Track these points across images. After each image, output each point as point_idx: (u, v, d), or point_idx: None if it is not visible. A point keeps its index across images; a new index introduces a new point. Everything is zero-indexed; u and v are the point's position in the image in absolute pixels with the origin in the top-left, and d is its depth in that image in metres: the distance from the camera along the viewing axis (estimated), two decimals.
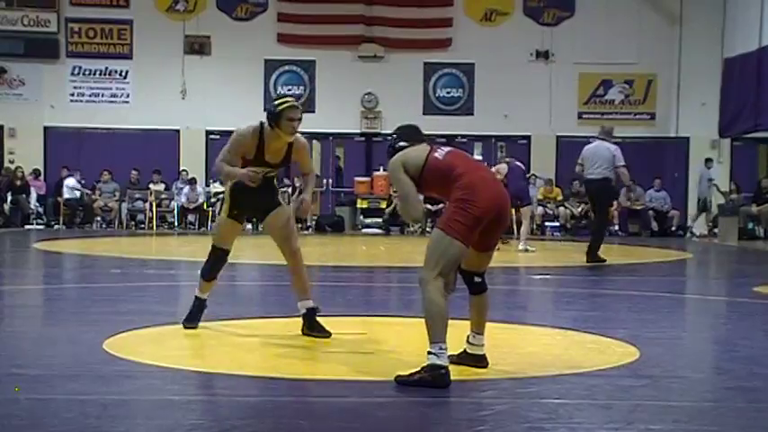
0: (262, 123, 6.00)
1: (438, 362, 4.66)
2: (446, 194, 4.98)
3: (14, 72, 20.36)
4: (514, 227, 15.33)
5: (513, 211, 14.54)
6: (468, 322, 5.20)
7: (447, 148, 5.16)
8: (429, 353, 4.70)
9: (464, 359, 5.17)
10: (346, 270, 11.74)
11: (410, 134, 5.35)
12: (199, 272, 6.40)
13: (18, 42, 20.21)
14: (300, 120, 6.01)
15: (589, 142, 13.04)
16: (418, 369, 4.70)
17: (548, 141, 20.70)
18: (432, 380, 4.63)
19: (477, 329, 5.17)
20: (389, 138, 5.52)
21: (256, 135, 5.97)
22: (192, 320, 6.23)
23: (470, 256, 5.01)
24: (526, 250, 14.25)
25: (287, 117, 5.90)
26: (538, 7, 20.75)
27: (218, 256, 6.22)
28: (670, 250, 15.81)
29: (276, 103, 5.97)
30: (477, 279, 5.13)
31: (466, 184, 4.86)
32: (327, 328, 6.10)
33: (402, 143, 5.27)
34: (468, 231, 4.81)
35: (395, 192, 4.51)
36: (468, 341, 5.19)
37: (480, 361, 5.16)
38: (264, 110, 6.10)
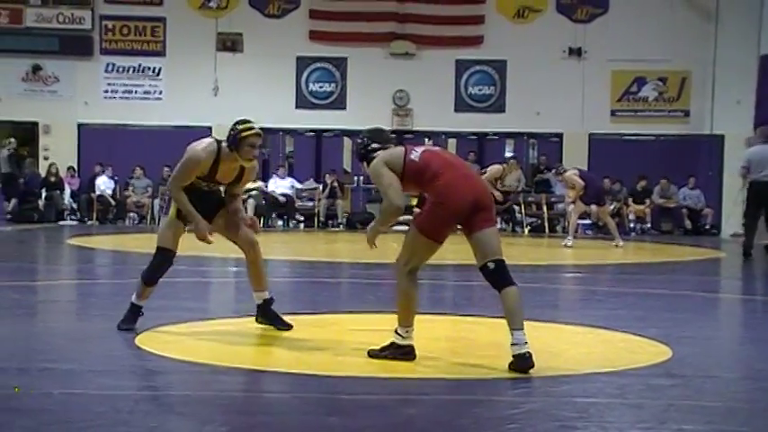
0: (218, 142, 5.88)
1: (402, 342, 5.26)
2: (421, 187, 5.35)
3: (49, 69, 20.54)
4: (569, 223, 15.90)
5: (595, 209, 15.73)
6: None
7: (421, 148, 5.40)
8: (396, 332, 5.29)
9: (512, 365, 5.02)
10: (377, 267, 11.73)
11: (380, 136, 5.58)
12: (139, 277, 6.08)
13: (53, 40, 20.38)
14: (261, 147, 5.99)
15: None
16: (386, 345, 5.29)
17: (580, 139, 20.57)
18: (401, 356, 5.23)
19: (511, 325, 5.05)
20: (359, 140, 5.64)
21: (213, 155, 5.83)
22: (129, 323, 5.98)
23: (476, 243, 5.15)
24: (566, 245, 14.92)
25: (249, 143, 5.81)
26: (571, 4, 20.61)
27: (165, 257, 5.96)
28: (703, 248, 15.66)
29: (240, 128, 5.82)
30: (490, 265, 5.11)
31: (439, 188, 5.15)
32: (288, 321, 6.20)
33: (374, 145, 5.47)
34: (440, 230, 5.20)
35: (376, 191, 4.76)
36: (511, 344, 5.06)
37: (521, 361, 4.96)
38: (227, 131, 5.84)
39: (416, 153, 5.30)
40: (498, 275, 5.12)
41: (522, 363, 4.97)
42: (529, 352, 4.98)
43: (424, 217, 5.28)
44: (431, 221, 5.21)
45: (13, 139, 20.28)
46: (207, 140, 5.93)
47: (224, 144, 5.86)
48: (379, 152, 5.40)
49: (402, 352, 5.25)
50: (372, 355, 5.32)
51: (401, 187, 5.24)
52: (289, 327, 6.18)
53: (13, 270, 10.55)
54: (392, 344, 5.29)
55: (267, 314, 6.20)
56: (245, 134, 5.81)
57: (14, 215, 19.20)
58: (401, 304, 5.31)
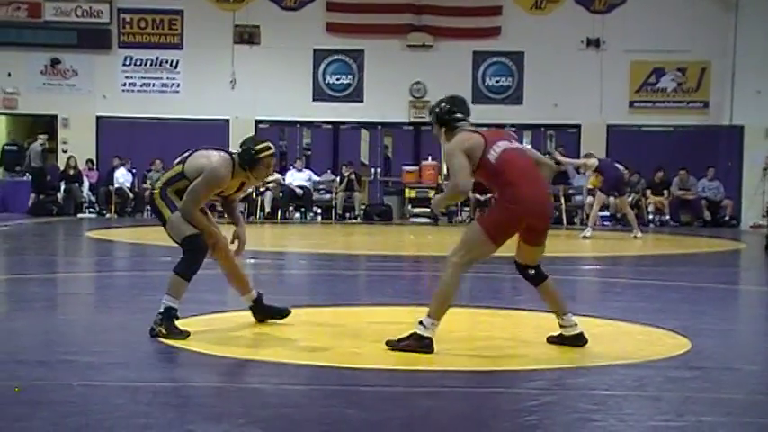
0: (232, 156, 5.73)
1: (424, 333, 5.21)
2: (492, 187, 5.45)
3: (68, 63, 20.62)
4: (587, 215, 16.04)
5: (613, 200, 16.13)
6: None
7: (501, 147, 5.34)
8: (420, 323, 5.23)
9: (564, 340, 5.45)
10: (394, 259, 11.75)
11: (465, 107, 5.54)
12: (173, 273, 5.73)
13: (71, 33, 20.45)
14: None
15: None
16: (406, 336, 5.23)
17: (598, 130, 20.47)
18: (420, 348, 5.18)
19: (561, 311, 5.47)
20: (442, 104, 5.52)
21: (230, 169, 5.66)
22: (174, 331, 5.59)
23: (523, 250, 5.43)
24: (585, 237, 15.03)
25: (265, 164, 5.71)
26: None
27: (198, 244, 5.72)
28: (723, 240, 15.58)
29: (257, 148, 5.67)
30: (530, 271, 5.45)
31: (520, 198, 5.21)
32: (284, 307, 6.21)
33: (459, 115, 5.46)
34: (504, 236, 5.29)
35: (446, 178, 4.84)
36: (560, 326, 5.47)
37: (578, 339, 5.42)
38: (242, 149, 5.69)
39: (495, 154, 5.29)
40: (536, 276, 5.47)
41: (579, 340, 5.41)
42: (581, 331, 5.43)
43: (492, 218, 5.39)
44: (497, 224, 5.28)
45: (45, 135, 20.42)
46: (222, 156, 5.70)
47: (235, 157, 5.72)
48: (461, 125, 5.38)
49: (422, 344, 5.21)
50: (391, 344, 5.29)
51: (471, 174, 5.27)
52: (287, 311, 6.20)
53: (33, 263, 10.62)
54: (413, 334, 5.26)
55: (263, 310, 6.19)
56: (262, 155, 5.68)
57: (34, 208, 19.32)
58: (441, 296, 5.27)
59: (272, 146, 5.81)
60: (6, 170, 20.56)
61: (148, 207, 19.84)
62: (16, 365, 4.85)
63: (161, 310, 5.61)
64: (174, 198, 5.74)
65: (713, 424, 3.95)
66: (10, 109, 20.86)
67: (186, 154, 5.86)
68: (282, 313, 6.21)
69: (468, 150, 5.27)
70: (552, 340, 5.51)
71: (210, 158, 5.67)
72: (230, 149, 5.93)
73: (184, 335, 5.54)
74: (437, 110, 5.50)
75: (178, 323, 5.62)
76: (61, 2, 20.41)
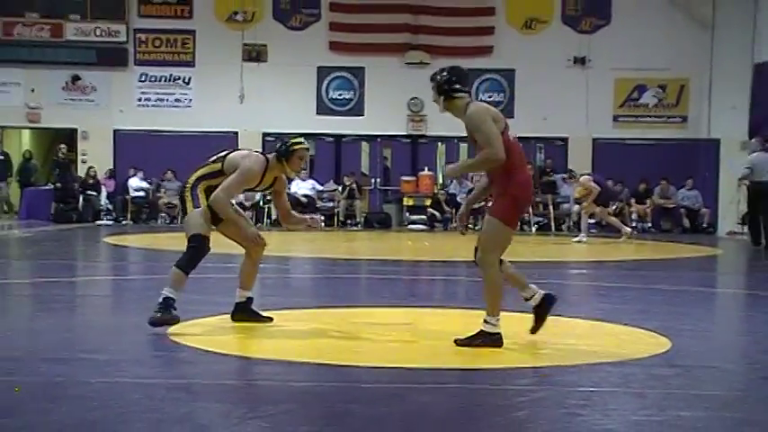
0: (266, 156, 6.05)
1: (492, 330, 5.26)
2: (496, 170, 5.24)
3: (87, 79, 20.63)
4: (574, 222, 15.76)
5: (597, 210, 16.12)
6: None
7: (510, 131, 5.35)
8: (486, 322, 5.28)
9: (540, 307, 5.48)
10: (393, 264, 11.74)
11: (466, 79, 5.46)
12: (174, 266, 5.82)
13: (90, 52, 20.48)
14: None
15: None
16: (475, 334, 5.28)
17: (584, 143, 20.50)
18: (491, 343, 5.24)
19: (524, 284, 5.50)
20: (443, 73, 5.44)
21: (263, 167, 5.97)
22: (166, 315, 5.69)
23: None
24: (579, 241, 15.37)
25: (299, 156, 5.99)
26: (576, 16, 20.54)
27: (202, 243, 5.82)
28: (701, 246, 15.59)
29: (292, 141, 6.02)
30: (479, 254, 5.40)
31: (521, 182, 5.28)
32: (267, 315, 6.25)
33: (458, 85, 5.38)
34: (518, 219, 5.41)
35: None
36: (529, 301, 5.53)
37: (549, 300, 5.53)
38: (279, 146, 6.02)
39: (510, 133, 5.30)
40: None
41: (549, 301, 5.50)
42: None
43: (507, 209, 5.27)
44: (513, 212, 5.29)
45: (63, 146, 20.42)
46: (256, 155, 6.02)
47: (270, 156, 6.01)
48: (462, 94, 5.32)
49: (492, 339, 5.26)
50: (461, 344, 5.29)
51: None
52: (270, 319, 6.22)
53: (54, 267, 10.61)
54: (481, 332, 5.28)
55: (249, 312, 6.21)
56: (296, 147, 5.97)
57: (55, 215, 19.31)
58: (493, 294, 5.28)
59: (304, 141, 6.10)
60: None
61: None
62: (39, 363, 4.85)
63: (160, 300, 5.71)
64: (202, 196, 5.90)
65: (693, 418, 3.95)
66: (34, 123, 20.89)
67: (223, 153, 6.10)
68: (265, 321, 6.21)
69: (495, 118, 5.21)
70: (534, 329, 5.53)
71: (246, 157, 5.97)
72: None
73: (175, 319, 5.68)
74: (438, 77, 5.42)
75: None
76: (81, 23, 20.45)
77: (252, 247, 6.14)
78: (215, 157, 6.08)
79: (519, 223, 5.44)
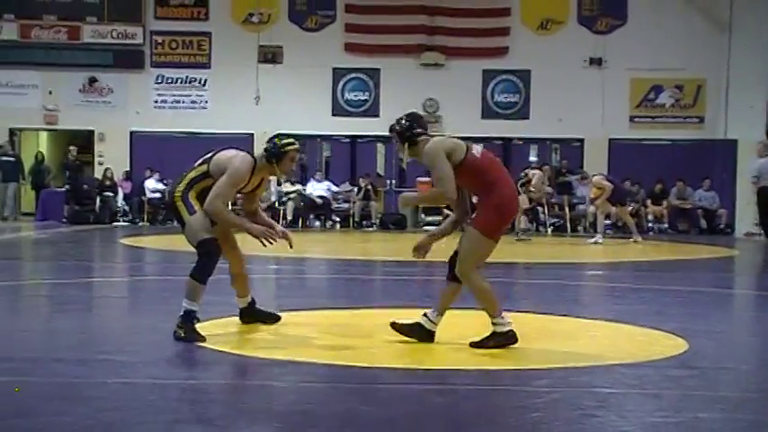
0: (253, 156, 5.76)
1: (503, 329, 5.32)
2: (473, 189, 5.41)
3: (104, 81, 20.74)
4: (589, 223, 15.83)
5: (614, 210, 16.37)
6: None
7: (479, 147, 5.44)
8: (494, 323, 5.33)
9: (416, 331, 5.50)
10: (408, 265, 11.73)
11: (422, 122, 5.60)
12: (189, 277, 5.63)
13: (107, 54, 20.59)
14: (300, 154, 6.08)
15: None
16: (488, 336, 5.33)
17: (600, 144, 20.42)
18: (506, 340, 5.29)
19: (441, 310, 5.52)
20: (402, 121, 5.53)
21: (251, 168, 5.69)
22: (191, 333, 5.51)
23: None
24: (596, 242, 15.26)
25: (290, 157, 5.74)
26: (591, 16, 20.47)
27: (211, 249, 5.63)
28: (718, 247, 15.50)
29: (283, 142, 5.73)
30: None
31: (503, 194, 5.28)
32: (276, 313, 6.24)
33: (419, 129, 5.49)
34: (499, 233, 5.39)
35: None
36: (429, 318, 5.52)
37: (428, 336, 5.50)
38: (268, 145, 5.73)
39: (477, 151, 5.34)
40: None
41: (429, 337, 5.51)
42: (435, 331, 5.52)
43: (489, 222, 5.31)
44: (494, 225, 5.31)
45: (73, 147, 20.51)
46: (243, 155, 5.70)
47: (258, 156, 5.75)
48: (424, 137, 5.40)
49: (506, 337, 5.31)
50: (475, 346, 5.33)
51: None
52: (278, 317, 6.20)
53: (71, 268, 10.66)
54: (494, 333, 5.34)
55: (255, 313, 6.18)
56: (288, 148, 5.71)
57: (71, 217, 19.40)
58: (485, 299, 5.36)
59: (295, 141, 5.86)
60: (4, 181, 19.96)
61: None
62: (56, 364, 4.87)
63: (181, 313, 5.57)
64: (195, 202, 5.70)
65: (709, 420, 3.93)
66: (51, 125, 21.01)
67: (209, 155, 5.85)
68: (273, 318, 6.20)
69: (450, 150, 5.27)
70: (397, 327, 5.55)
71: (233, 157, 5.70)
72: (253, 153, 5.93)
73: (201, 339, 5.47)
74: (397, 127, 5.50)
75: (205, 324, 5.62)
76: (98, 25, 20.56)
77: (231, 259, 5.98)
78: (201, 160, 5.86)
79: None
